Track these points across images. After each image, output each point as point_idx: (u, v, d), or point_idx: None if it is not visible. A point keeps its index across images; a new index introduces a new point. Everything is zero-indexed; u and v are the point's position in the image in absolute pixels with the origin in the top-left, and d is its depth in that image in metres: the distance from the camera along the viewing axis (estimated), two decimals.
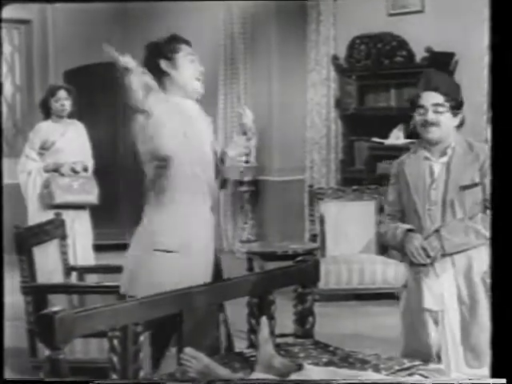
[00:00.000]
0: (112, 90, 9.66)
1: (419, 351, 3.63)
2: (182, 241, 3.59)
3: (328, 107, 8.97)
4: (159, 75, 3.68)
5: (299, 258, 4.00)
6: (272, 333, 3.71)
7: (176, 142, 3.57)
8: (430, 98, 3.61)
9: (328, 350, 3.67)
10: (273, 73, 9.17)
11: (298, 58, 9.07)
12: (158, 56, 3.69)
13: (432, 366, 3.43)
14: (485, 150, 3.59)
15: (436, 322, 3.64)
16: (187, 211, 3.60)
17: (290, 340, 3.92)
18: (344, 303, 6.97)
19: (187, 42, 3.78)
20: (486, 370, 3.37)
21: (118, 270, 4.67)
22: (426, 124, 3.62)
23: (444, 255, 3.60)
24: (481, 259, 3.58)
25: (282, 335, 4.26)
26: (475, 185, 3.60)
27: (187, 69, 3.71)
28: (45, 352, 3.20)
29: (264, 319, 3.52)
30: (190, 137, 3.63)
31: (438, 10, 7.99)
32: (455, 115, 3.64)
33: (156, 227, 3.58)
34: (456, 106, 3.63)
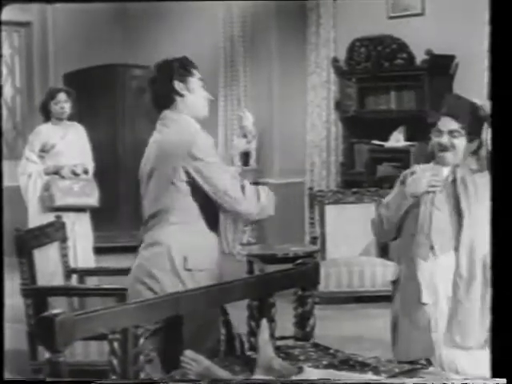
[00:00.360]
0: (112, 92, 9.71)
1: (421, 349, 3.61)
2: (209, 259, 3.66)
3: (328, 110, 8.98)
4: (172, 95, 3.75)
5: (299, 261, 4.00)
6: (272, 335, 3.71)
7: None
8: (447, 124, 3.63)
9: (328, 352, 3.67)
10: (273, 75, 9.18)
11: (298, 61, 9.08)
12: (173, 76, 3.76)
13: (432, 369, 3.42)
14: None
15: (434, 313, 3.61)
16: (205, 229, 3.65)
17: (290, 343, 3.92)
18: (344, 306, 6.97)
19: (196, 67, 3.88)
20: (471, 351, 3.44)
21: (118, 272, 4.69)
22: (442, 149, 3.65)
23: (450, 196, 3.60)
24: (483, 242, 3.52)
25: (283, 338, 4.26)
26: None
27: (200, 93, 3.82)
28: (45, 355, 3.20)
29: (264, 322, 3.52)
30: None
31: (439, 12, 8.00)
32: (471, 141, 3.65)
33: (184, 247, 3.61)
34: (473, 134, 3.63)
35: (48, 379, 2.99)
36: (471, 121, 3.63)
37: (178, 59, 3.83)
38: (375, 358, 3.55)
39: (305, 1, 9.03)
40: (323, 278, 6.36)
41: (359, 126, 8.59)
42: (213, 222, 3.71)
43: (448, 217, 3.61)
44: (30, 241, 4.64)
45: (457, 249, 3.57)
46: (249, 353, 3.70)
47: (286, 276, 3.88)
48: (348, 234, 7.19)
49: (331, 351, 3.69)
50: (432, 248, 3.61)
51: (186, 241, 3.60)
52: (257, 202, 3.66)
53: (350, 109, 8.60)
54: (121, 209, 9.35)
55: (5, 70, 9.69)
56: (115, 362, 3.10)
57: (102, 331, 3.09)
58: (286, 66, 9.11)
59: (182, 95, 3.75)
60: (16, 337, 4.41)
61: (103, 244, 6.92)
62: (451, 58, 7.93)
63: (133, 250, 9.71)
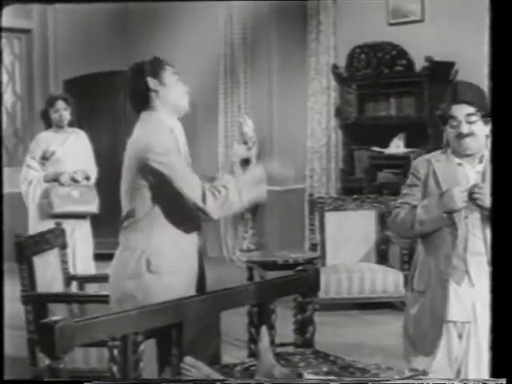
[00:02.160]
0: (113, 98, 9.72)
1: (429, 358, 3.58)
2: (182, 261, 3.61)
3: (328, 116, 8.99)
4: (147, 93, 3.64)
5: (299, 267, 4.00)
6: (272, 342, 3.71)
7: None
8: (462, 110, 3.55)
9: (328, 359, 3.67)
10: (273, 82, 9.19)
11: (299, 67, 9.09)
12: (145, 74, 3.65)
13: (432, 375, 3.42)
14: None
15: (460, 335, 3.56)
16: (176, 232, 3.61)
17: (291, 349, 3.91)
18: (344, 312, 6.96)
19: (170, 64, 3.74)
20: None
21: None
22: (461, 136, 3.55)
23: (485, 221, 3.48)
24: None
25: (282, 344, 4.25)
26: None
27: (175, 85, 3.67)
28: (45, 361, 3.20)
29: (264, 328, 3.52)
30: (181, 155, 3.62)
31: (438, 19, 8.01)
32: (486, 123, 3.54)
33: (148, 250, 3.57)
34: (486, 114, 3.52)
35: (47, 379, 2.99)
36: (481, 100, 3.55)
37: (149, 59, 3.75)
38: (375, 364, 3.55)
39: (305, 8, 9.04)
40: (323, 284, 6.35)
41: (359, 132, 8.60)
42: (187, 225, 3.63)
43: (483, 242, 3.53)
44: (30, 247, 4.64)
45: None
46: (248, 360, 3.69)
47: (286, 282, 3.88)
48: (348, 241, 7.19)
49: (331, 358, 3.68)
50: (467, 272, 3.55)
51: (150, 244, 3.57)
52: (220, 206, 3.56)
53: (350, 115, 8.61)
54: (121, 216, 9.34)
55: (5, 77, 9.71)
56: (115, 368, 3.10)
57: (101, 338, 3.09)
58: (286, 72, 9.12)
59: (156, 91, 3.64)
60: (16, 343, 4.40)
61: (103, 250, 6.91)
62: (451, 64, 7.94)
63: None
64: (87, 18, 9.70)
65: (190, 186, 3.52)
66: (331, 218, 7.27)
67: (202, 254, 3.77)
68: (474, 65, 7.38)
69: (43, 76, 9.78)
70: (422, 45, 7.90)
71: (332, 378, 3.27)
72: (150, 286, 3.53)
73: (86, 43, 9.62)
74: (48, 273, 4.84)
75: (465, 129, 3.53)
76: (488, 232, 3.47)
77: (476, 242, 3.54)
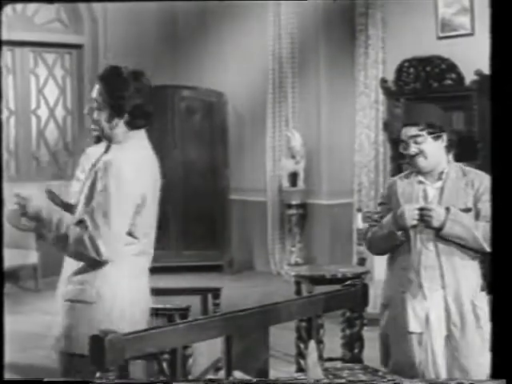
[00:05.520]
0: (162, 113, 9.79)
1: (405, 368, 3.64)
2: None
3: (376, 130, 8.97)
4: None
5: (348, 282, 3.99)
6: (320, 357, 3.70)
7: None
8: (407, 132, 3.71)
9: (377, 374, 3.65)
10: (321, 96, 9.19)
11: (347, 82, 9.08)
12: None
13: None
14: (479, 176, 3.69)
15: (420, 343, 3.64)
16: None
17: (339, 364, 3.90)
18: None
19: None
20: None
21: (166, 292, 4.69)
22: (411, 157, 3.70)
23: (438, 236, 3.59)
24: (469, 280, 3.64)
25: (331, 359, 4.24)
26: (468, 210, 3.62)
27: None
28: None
29: (312, 343, 3.51)
30: None
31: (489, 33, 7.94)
32: (437, 139, 3.71)
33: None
34: (435, 131, 3.70)
35: (46, 379, 3.02)
36: (427, 118, 3.72)
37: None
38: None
39: (353, 23, 9.04)
40: (372, 299, 6.31)
41: None
42: None
43: (435, 256, 3.64)
44: None
45: (444, 288, 3.59)
46: (295, 374, 3.69)
47: (335, 297, 3.87)
48: None
49: (380, 373, 3.67)
50: (420, 286, 3.65)
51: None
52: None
53: (399, 129, 8.56)
54: (170, 228, 9.41)
55: (57, 92, 9.84)
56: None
57: (151, 351, 3.11)
58: (334, 86, 9.12)
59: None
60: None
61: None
62: None
63: (178, 269, 9.74)
64: (137, 32, 9.81)
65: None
66: None
67: None
68: None
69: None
70: (471, 58, 7.83)
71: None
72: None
73: (135, 57, 9.71)
74: None
75: (412, 150, 3.68)
76: (441, 246, 3.61)
77: (429, 255, 3.64)
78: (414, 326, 3.64)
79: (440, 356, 3.61)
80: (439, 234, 3.60)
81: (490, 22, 3.10)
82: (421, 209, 3.60)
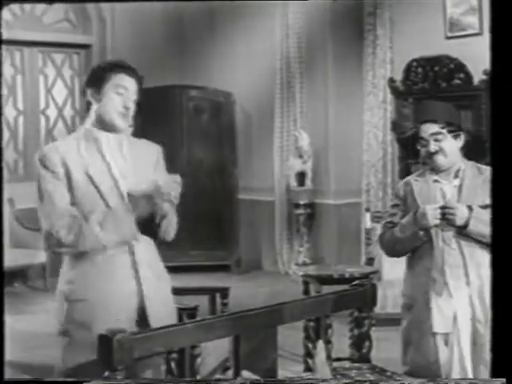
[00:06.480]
0: (169, 113, 9.81)
1: (426, 369, 3.63)
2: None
3: (384, 130, 8.96)
4: (87, 105, 3.38)
5: (356, 282, 3.99)
6: (329, 356, 3.70)
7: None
8: (428, 129, 3.68)
9: (385, 374, 3.65)
10: (329, 96, 9.18)
11: (355, 81, 9.07)
12: (87, 84, 3.35)
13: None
14: None
15: (446, 343, 3.64)
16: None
17: (347, 364, 3.90)
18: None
19: (128, 71, 3.36)
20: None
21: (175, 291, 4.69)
22: (431, 154, 3.69)
23: (459, 234, 3.60)
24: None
25: (339, 359, 4.23)
26: (486, 207, 3.60)
27: (111, 101, 3.28)
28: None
29: (321, 343, 3.51)
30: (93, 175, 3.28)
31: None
32: (456, 137, 3.71)
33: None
34: (454, 129, 3.70)
35: (46, 379, 3.03)
36: (448, 116, 3.71)
37: (107, 63, 3.46)
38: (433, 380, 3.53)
39: (361, 23, 9.03)
40: (380, 299, 6.31)
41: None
42: None
43: (459, 254, 3.65)
44: None
45: (468, 285, 3.60)
46: (303, 374, 3.69)
47: (343, 297, 3.86)
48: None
49: (388, 373, 3.66)
50: (446, 284, 3.65)
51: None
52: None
53: (407, 129, 8.56)
54: (177, 228, 9.40)
55: (65, 92, 9.86)
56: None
57: (159, 351, 3.11)
58: (342, 86, 9.11)
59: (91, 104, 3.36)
60: None
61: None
62: None
63: (186, 269, 9.73)
64: (145, 32, 9.82)
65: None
66: None
67: None
68: None
69: None
70: (480, 58, 7.80)
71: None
72: None
73: (144, 59, 9.73)
74: None
75: (432, 147, 3.67)
76: (464, 244, 3.63)
77: (452, 253, 3.65)
78: (439, 326, 3.64)
79: (468, 354, 3.61)
80: (462, 232, 3.60)
81: (490, 21, 3.09)
82: (443, 208, 3.60)
